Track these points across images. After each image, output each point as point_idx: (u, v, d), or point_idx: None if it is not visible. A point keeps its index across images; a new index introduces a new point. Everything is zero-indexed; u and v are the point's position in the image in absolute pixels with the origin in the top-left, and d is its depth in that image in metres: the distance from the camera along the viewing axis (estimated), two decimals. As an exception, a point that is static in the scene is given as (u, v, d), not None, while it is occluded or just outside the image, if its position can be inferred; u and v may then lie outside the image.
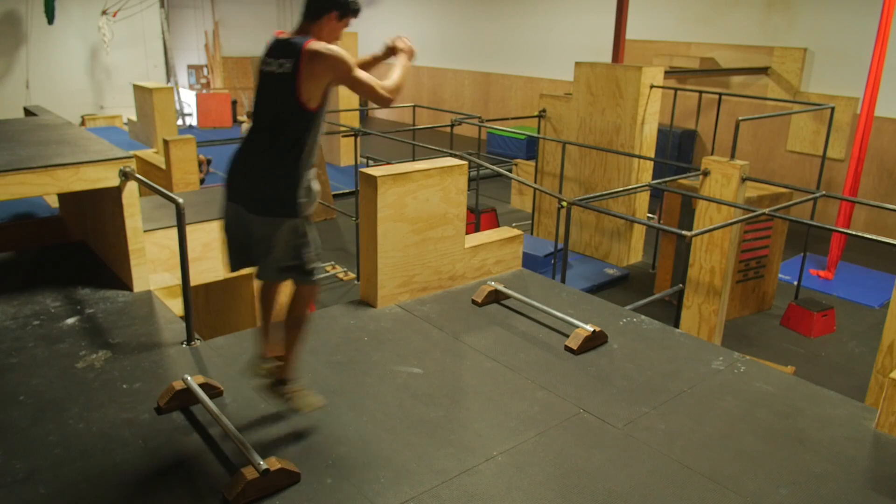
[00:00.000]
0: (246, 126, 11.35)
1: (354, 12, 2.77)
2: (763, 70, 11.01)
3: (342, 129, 9.73)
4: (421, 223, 4.20)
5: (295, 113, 2.63)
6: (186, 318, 3.63)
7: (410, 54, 2.98)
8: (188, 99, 18.19)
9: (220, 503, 2.50)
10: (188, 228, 3.63)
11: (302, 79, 2.58)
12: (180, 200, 3.43)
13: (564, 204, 5.25)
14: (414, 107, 11.33)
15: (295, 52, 2.59)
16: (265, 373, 2.92)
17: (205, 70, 19.77)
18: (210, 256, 4.78)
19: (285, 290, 2.93)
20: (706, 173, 5.97)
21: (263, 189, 2.66)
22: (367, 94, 2.69)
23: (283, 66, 2.61)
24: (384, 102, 2.72)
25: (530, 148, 13.70)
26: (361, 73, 2.67)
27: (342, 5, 2.71)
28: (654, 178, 8.54)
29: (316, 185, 2.79)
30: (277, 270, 2.79)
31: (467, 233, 4.58)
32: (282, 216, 2.66)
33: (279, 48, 2.67)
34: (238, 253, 2.86)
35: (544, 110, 9.25)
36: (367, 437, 2.91)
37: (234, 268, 2.92)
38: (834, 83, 10.33)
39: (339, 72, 2.63)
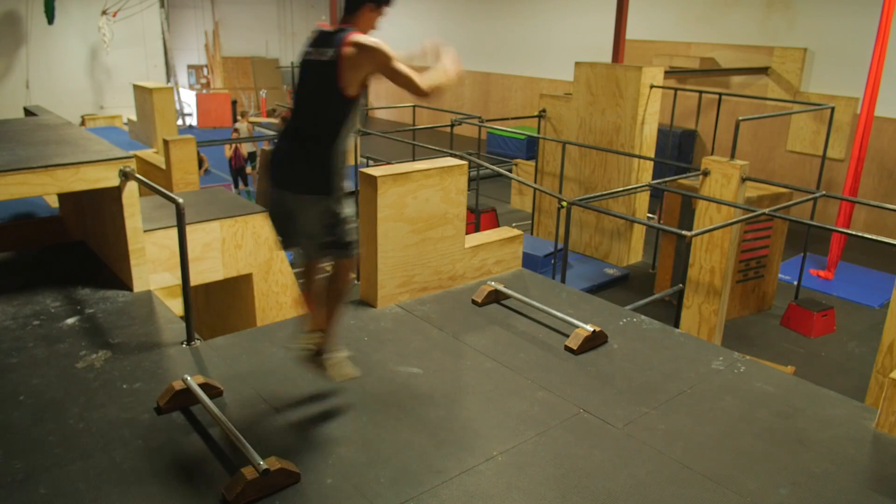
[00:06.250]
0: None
1: (387, 2, 2.92)
2: (763, 70, 11.01)
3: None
4: (421, 223, 4.20)
5: (334, 99, 2.77)
6: (186, 318, 3.63)
7: (452, 66, 3.02)
8: (188, 99, 18.19)
9: (219, 503, 2.50)
10: (188, 228, 3.62)
11: (343, 67, 2.71)
12: (180, 200, 3.43)
13: (564, 204, 5.25)
14: (414, 107, 11.32)
15: (337, 42, 2.73)
16: (307, 344, 3.08)
17: (205, 70, 19.78)
18: (210, 256, 4.78)
19: (324, 267, 3.09)
20: (706, 173, 5.97)
21: (302, 170, 2.83)
22: (405, 85, 2.80)
23: (325, 55, 2.75)
24: (421, 94, 2.84)
25: (530, 148, 13.71)
26: (400, 65, 2.79)
27: None
28: (654, 178, 8.55)
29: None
30: (318, 247, 2.94)
31: (467, 233, 4.58)
32: (318, 195, 2.82)
33: (322, 39, 2.82)
34: (285, 235, 3.06)
35: (544, 110, 9.25)
36: (367, 437, 2.90)
37: (285, 248, 3.36)
38: (834, 83, 10.34)
39: (379, 62, 2.75)
